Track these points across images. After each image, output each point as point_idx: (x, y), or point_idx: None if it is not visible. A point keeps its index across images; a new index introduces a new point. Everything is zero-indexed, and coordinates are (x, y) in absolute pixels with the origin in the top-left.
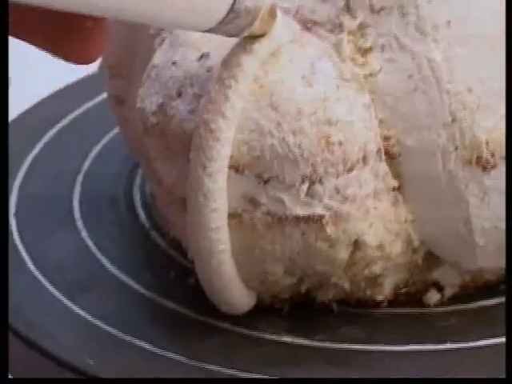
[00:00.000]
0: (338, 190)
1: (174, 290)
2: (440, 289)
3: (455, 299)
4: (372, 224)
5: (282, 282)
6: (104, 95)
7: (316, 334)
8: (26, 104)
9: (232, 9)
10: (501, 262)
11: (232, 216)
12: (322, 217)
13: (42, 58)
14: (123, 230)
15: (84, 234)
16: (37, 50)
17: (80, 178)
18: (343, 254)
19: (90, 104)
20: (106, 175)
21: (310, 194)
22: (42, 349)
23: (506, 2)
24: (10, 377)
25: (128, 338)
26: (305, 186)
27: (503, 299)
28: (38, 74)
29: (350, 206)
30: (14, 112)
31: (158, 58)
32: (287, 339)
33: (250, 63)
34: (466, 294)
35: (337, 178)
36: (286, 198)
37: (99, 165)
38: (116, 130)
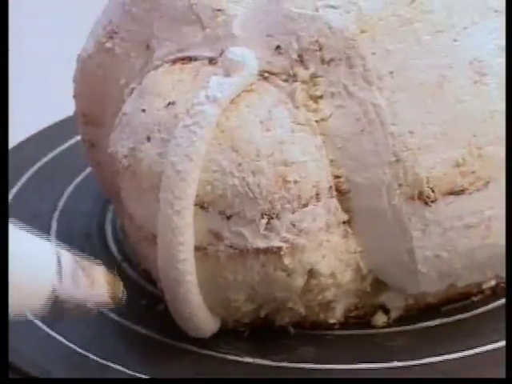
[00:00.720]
0: (293, 224)
1: (146, 316)
2: (386, 311)
3: (401, 321)
4: (325, 255)
5: (243, 308)
6: (75, 139)
7: (275, 354)
8: None
9: None
10: (441, 286)
11: (198, 249)
12: (279, 249)
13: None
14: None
15: None
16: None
17: (56, 215)
18: (299, 282)
19: (62, 147)
20: (80, 212)
21: (269, 228)
22: (26, 374)
23: (506, 1)
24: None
25: (104, 362)
26: (264, 221)
27: (444, 320)
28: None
29: (305, 238)
30: None
31: (128, 106)
32: (248, 360)
33: (212, 111)
34: (410, 315)
35: (292, 213)
36: (246, 232)
37: (73, 203)
38: (87, 171)
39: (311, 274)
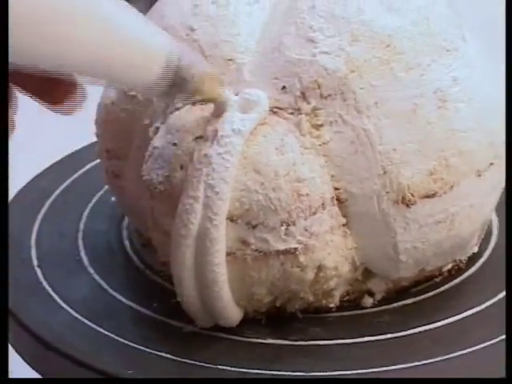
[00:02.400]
0: (306, 229)
1: (178, 312)
2: (371, 294)
3: (383, 301)
4: (330, 252)
5: (263, 300)
6: (84, 169)
7: (290, 335)
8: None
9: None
10: (415, 271)
11: (228, 254)
12: (295, 249)
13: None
14: (124, 272)
15: (96, 276)
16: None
17: (80, 235)
18: (310, 275)
19: (75, 176)
20: (100, 231)
21: (287, 233)
22: (88, 366)
23: (506, 1)
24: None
25: (149, 351)
26: (283, 228)
27: (416, 298)
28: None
29: (315, 240)
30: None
31: (158, 141)
32: (270, 341)
33: (237, 141)
34: (389, 297)
35: (305, 220)
36: (269, 237)
37: (92, 223)
38: (98, 196)
39: (319, 268)
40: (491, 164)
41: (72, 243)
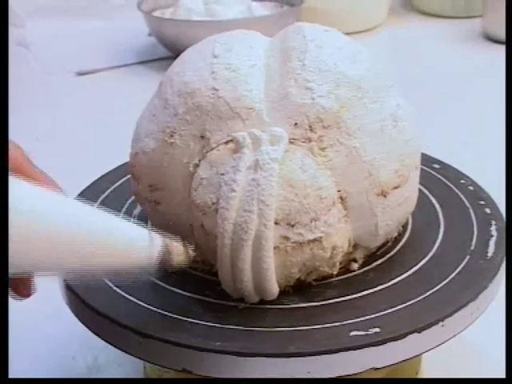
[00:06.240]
0: (325, 222)
1: (228, 295)
2: (355, 260)
3: (363, 264)
4: (340, 236)
5: (295, 276)
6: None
7: (315, 298)
8: None
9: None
10: (383, 241)
11: (274, 248)
12: (320, 237)
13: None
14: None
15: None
16: None
17: None
18: (328, 254)
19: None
20: None
21: (315, 226)
22: (181, 345)
23: (505, 1)
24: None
25: (223, 326)
26: (313, 224)
27: (383, 259)
28: None
29: (331, 229)
30: None
31: (205, 173)
32: (303, 305)
33: (275, 166)
34: (365, 261)
35: (325, 215)
36: (303, 232)
37: None
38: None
39: (333, 248)
40: (419, 160)
41: None
